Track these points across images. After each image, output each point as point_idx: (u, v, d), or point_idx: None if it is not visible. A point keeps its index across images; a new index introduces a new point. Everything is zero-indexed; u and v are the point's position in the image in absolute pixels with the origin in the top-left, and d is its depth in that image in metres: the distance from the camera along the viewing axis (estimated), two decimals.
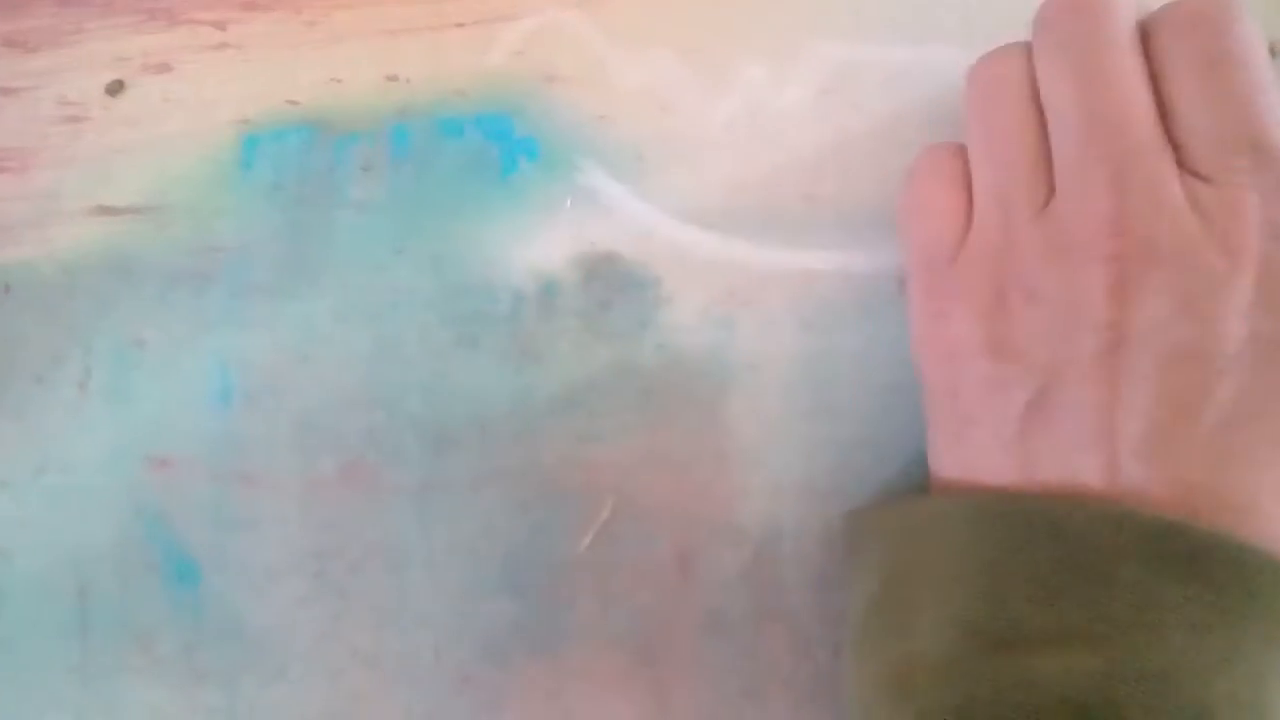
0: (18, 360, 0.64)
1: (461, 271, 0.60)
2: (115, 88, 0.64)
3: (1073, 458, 0.45)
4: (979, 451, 0.51)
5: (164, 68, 0.61)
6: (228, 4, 0.64)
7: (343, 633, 0.60)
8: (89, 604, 0.61)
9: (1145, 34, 0.51)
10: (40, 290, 0.60)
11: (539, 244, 0.62)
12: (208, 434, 0.59)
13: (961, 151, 0.54)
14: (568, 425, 0.59)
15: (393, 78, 0.63)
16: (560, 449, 0.59)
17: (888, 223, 0.57)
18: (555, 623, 0.60)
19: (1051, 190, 0.50)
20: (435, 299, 0.59)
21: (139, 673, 0.60)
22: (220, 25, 0.64)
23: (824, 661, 0.63)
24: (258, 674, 0.60)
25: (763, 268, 0.59)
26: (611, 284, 0.60)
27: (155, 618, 0.60)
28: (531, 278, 0.59)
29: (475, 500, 0.60)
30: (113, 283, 0.60)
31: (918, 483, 0.57)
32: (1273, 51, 0.65)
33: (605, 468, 0.59)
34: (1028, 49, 0.53)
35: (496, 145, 0.64)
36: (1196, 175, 0.45)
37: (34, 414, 0.62)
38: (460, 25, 0.64)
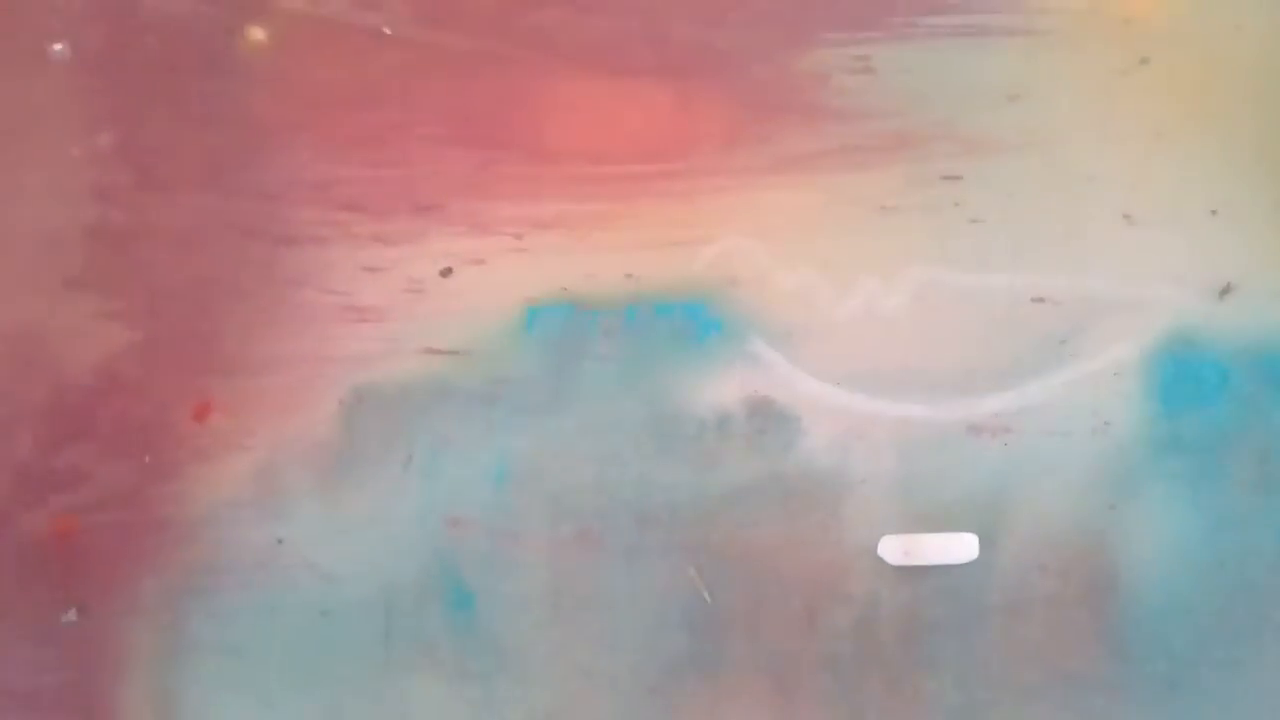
0: (361, 446, 0.84)
1: (665, 404, 0.83)
2: (446, 272, 0.91)
3: None
4: None
5: (479, 261, 0.86)
6: (524, 221, 0.92)
7: (568, 651, 0.83)
8: (392, 620, 0.83)
9: None
10: (383, 401, 0.85)
11: (719, 389, 0.83)
12: (488, 504, 0.83)
13: None
14: (732, 514, 0.82)
15: (628, 275, 0.86)
16: (726, 530, 0.82)
17: (957, 385, 0.82)
18: (717, 655, 0.82)
19: None
20: (647, 422, 0.83)
21: (424, 672, 0.83)
22: (519, 236, 0.89)
23: (908, 695, 0.81)
24: (508, 677, 0.82)
25: (872, 414, 0.82)
26: (767, 419, 0.83)
27: (439, 632, 0.83)
28: (712, 411, 0.83)
29: (665, 562, 0.83)
30: (432, 399, 0.84)
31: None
32: (1224, 290, 0.90)
33: (756, 545, 0.82)
34: None
35: (694, 323, 0.86)
36: None
37: (368, 483, 0.84)
38: (676, 244, 0.88)
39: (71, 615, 0.84)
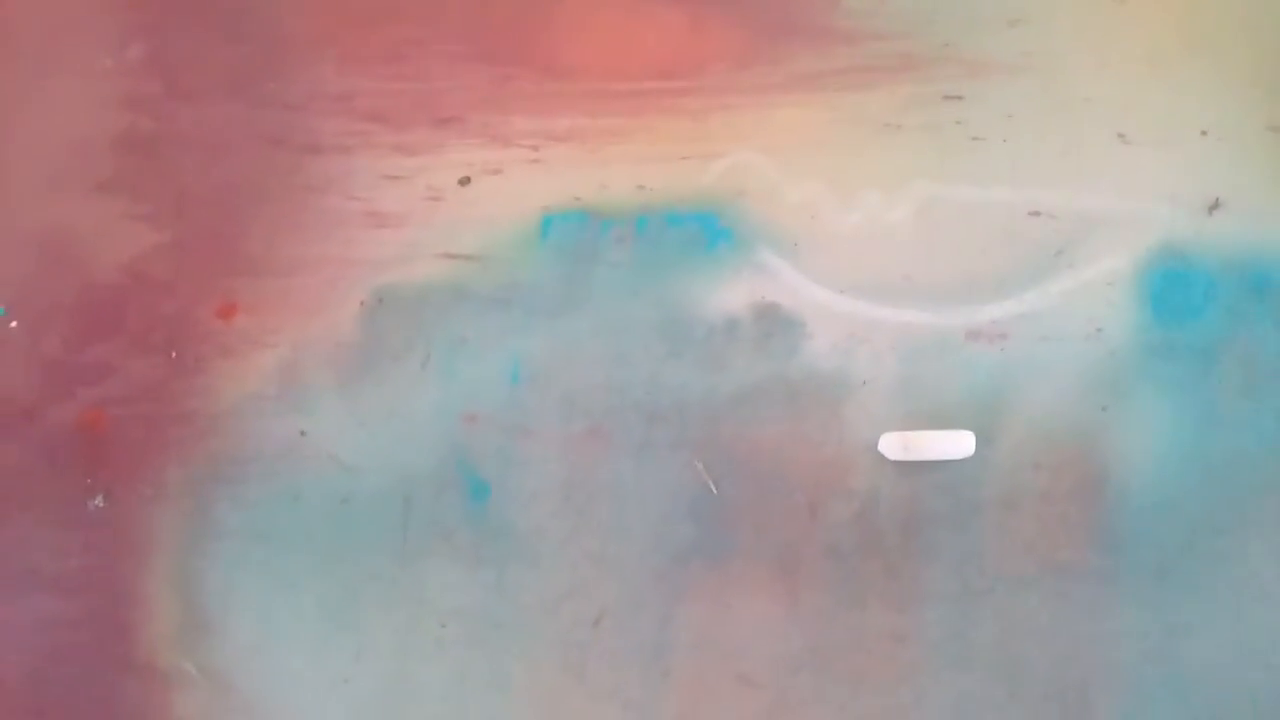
0: (382, 345, 0.86)
1: (675, 308, 0.85)
2: (464, 181, 0.92)
3: None
4: None
5: (497, 171, 0.88)
6: (539, 134, 0.93)
7: (579, 538, 0.85)
8: (411, 509, 0.86)
9: None
10: (402, 302, 0.87)
11: (727, 295, 0.85)
12: (502, 401, 0.85)
13: None
14: (739, 413, 0.84)
15: (640, 187, 0.88)
16: (733, 428, 0.84)
17: (956, 294, 0.85)
18: (722, 544, 0.84)
19: None
20: (656, 325, 0.85)
21: (441, 557, 0.85)
22: (535, 148, 0.89)
23: (907, 583, 0.83)
24: (521, 562, 0.84)
25: (874, 319, 0.84)
26: (774, 322, 0.85)
27: (456, 521, 0.85)
28: (720, 316, 0.85)
29: (673, 458, 0.84)
30: (449, 301, 0.86)
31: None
32: (1213, 206, 0.93)
33: (762, 442, 0.85)
34: None
35: (705, 232, 0.87)
36: None
37: (388, 380, 0.86)
38: (686, 158, 0.89)
39: (99, 501, 0.87)
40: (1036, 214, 0.87)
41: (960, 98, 0.88)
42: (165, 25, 0.92)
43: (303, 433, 0.87)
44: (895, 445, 0.84)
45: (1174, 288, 0.85)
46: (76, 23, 0.92)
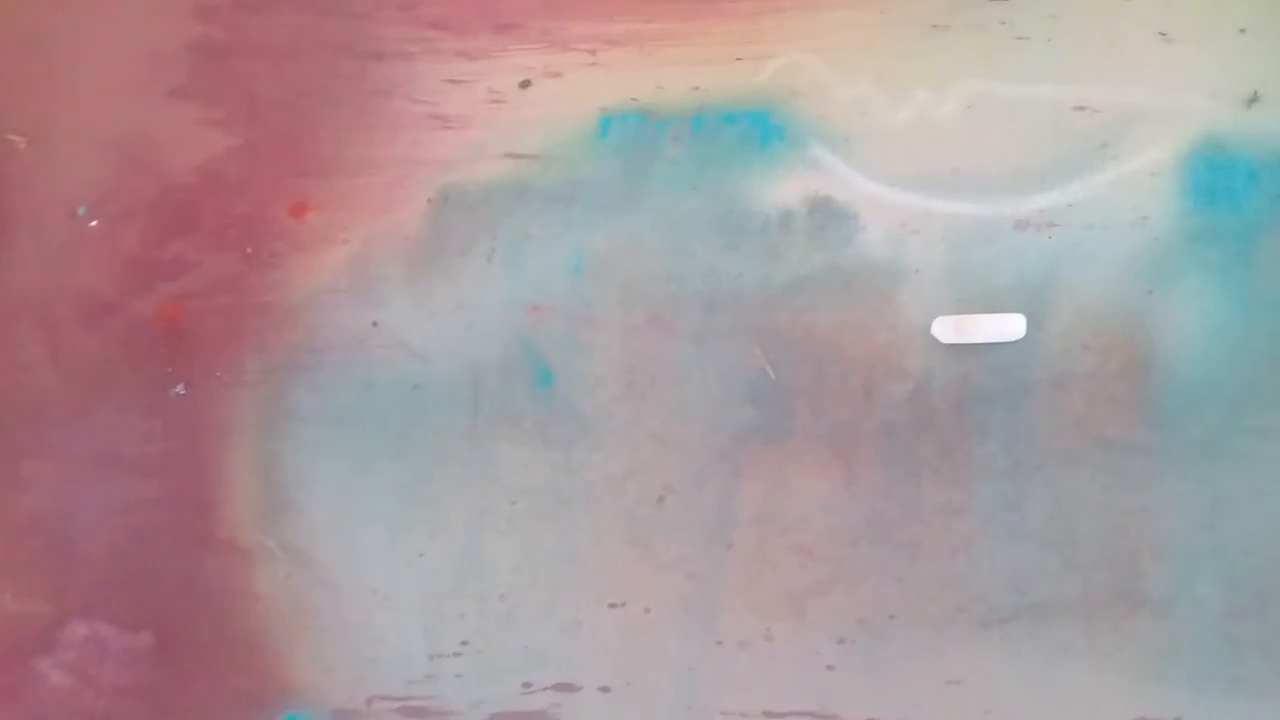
0: (448, 241, 0.88)
1: (731, 202, 0.87)
2: (525, 84, 0.92)
3: None
4: None
5: (556, 75, 0.90)
6: (597, 38, 0.94)
7: (642, 420, 0.87)
8: (480, 395, 0.88)
9: None
10: (467, 199, 0.89)
11: (781, 188, 0.87)
12: (565, 292, 0.88)
13: None
14: (795, 301, 0.86)
15: (695, 88, 0.89)
16: (789, 315, 0.86)
17: (1005, 186, 0.87)
18: (781, 425, 0.86)
19: None
20: (713, 219, 0.87)
21: (509, 439, 0.87)
22: (592, 52, 0.90)
23: (960, 459, 0.84)
24: (586, 443, 0.87)
25: (925, 210, 0.86)
26: (827, 215, 0.87)
27: (523, 405, 0.87)
28: (775, 209, 0.87)
29: (731, 344, 0.86)
30: (513, 198, 0.88)
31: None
32: (1252, 100, 0.96)
33: (817, 328, 0.87)
34: None
35: (758, 129, 0.89)
36: None
37: (455, 274, 0.87)
38: (739, 60, 0.90)
39: (180, 389, 0.91)
40: (1081, 109, 0.89)
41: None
42: None
43: (374, 323, 0.90)
44: (948, 328, 0.87)
45: (1215, 176, 0.87)
46: None
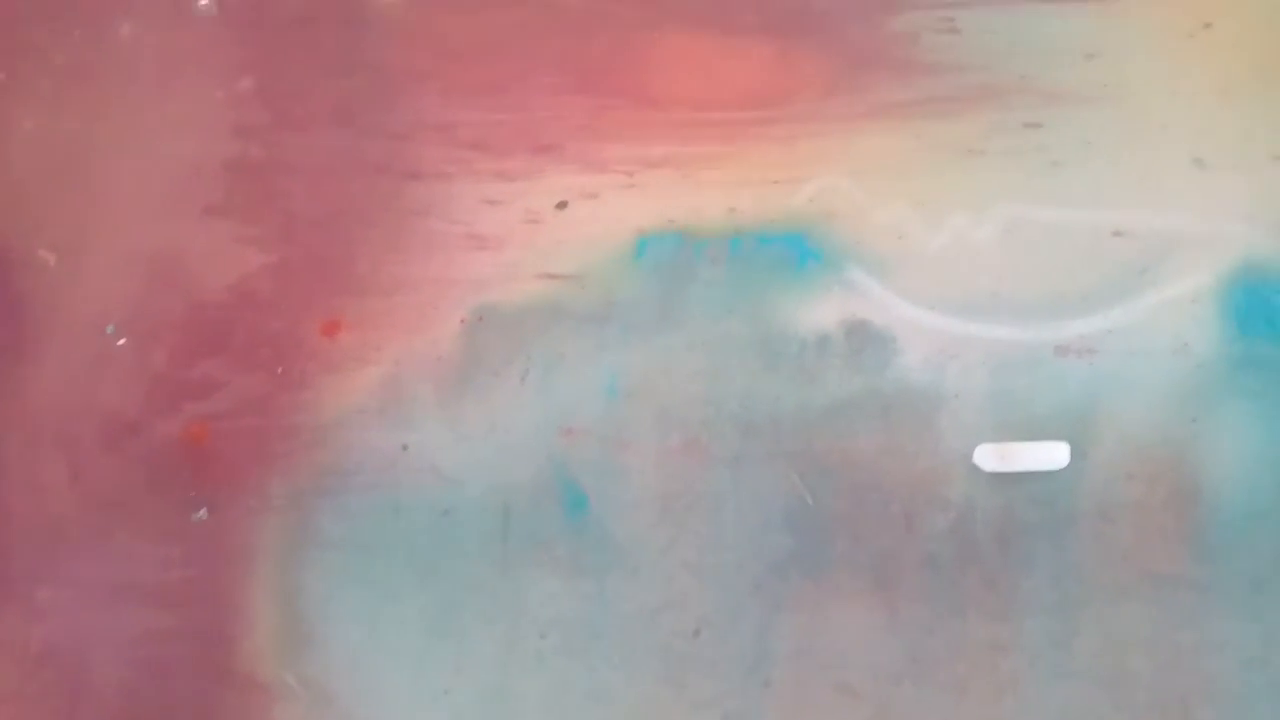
0: (482, 361, 0.88)
1: (768, 325, 0.87)
2: (562, 205, 0.93)
3: None
4: None
5: (593, 196, 0.91)
6: (634, 160, 0.95)
7: (677, 549, 0.86)
8: (510, 520, 0.87)
9: None
10: (502, 320, 0.89)
11: (818, 312, 0.87)
12: (600, 415, 0.87)
13: None
14: (833, 426, 0.86)
15: (732, 210, 0.90)
16: (827, 441, 0.86)
17: (1044, 310, 0.87)
18: (819, 555, 0.85)
19: None
20: (750, 341, 0.87)
21: (540, 567, 0.86)
22: (630, 174, 0.91)
23: (1006, 593, 0.83)
24: (619, 572, 0.86)
25: (964, 335, 0.86)
26: (865, 339, 0.87)
27: (555, 532, 0.86)
28: (812, 332, 0.87)
29: (769, 469, 0.86)
30: (547, 319, 0.88)
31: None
32: None
33: (856, 454, 0.86)
34: None
35: (794, 252, 0.89)
36: None
37: (488, 395, 0.87)
38: (776, 182, 0.90)
39: (202, 514, 0.89)
40: (1119, 234, 0.89)
41: (1040, 125, 0.91)
42: (274, 60, 0.96)
43: (405, 446, 0.89)
44: (991, 456, 0.85)
45: (1255, 302, 0.88)
46: (190, 56, 0.96)
